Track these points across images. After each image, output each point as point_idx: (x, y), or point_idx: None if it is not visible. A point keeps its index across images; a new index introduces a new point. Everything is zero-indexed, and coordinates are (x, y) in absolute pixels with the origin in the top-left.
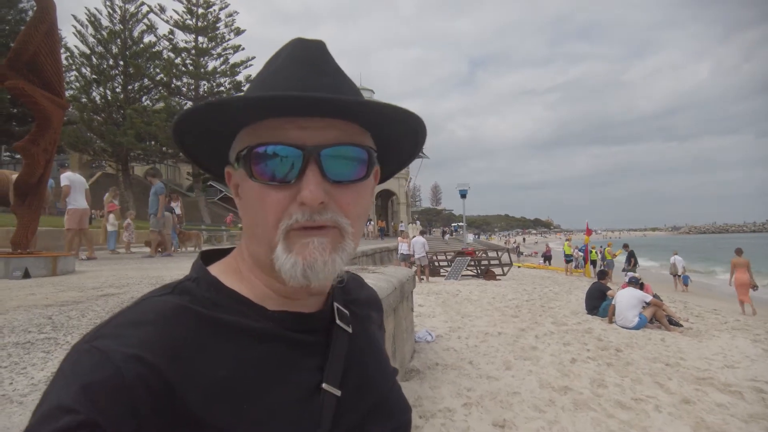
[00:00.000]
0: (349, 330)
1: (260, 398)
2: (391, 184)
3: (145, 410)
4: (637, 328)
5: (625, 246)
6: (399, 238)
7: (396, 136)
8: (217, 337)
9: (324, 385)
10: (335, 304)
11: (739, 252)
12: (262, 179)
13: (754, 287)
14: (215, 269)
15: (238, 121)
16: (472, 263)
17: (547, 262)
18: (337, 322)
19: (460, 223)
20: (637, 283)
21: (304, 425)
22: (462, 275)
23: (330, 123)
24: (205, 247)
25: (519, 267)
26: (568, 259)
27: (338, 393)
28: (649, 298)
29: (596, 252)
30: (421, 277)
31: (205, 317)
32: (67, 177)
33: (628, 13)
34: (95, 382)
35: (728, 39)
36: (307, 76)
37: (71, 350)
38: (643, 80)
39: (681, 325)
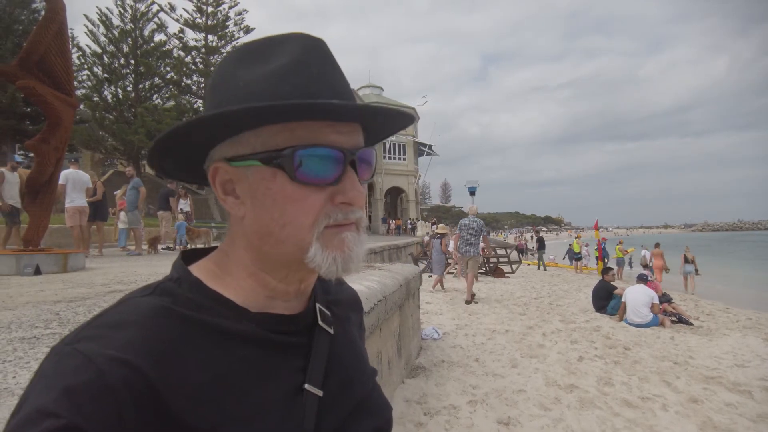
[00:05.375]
0: (331, 331)
1: (243, 400)
2: (400, 182)
3: (128, 414)
4: (650, 325)
5: (537, 231)
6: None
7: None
8: (199, 339)
9: (306, 386)
10: (317, 305)
11: (657, 245)
12: (307, 180)
13: (667, 270)
14: (197, 270)
15: (271, 121)
16: (481, 261)
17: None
18: (320, 323)
19: None
20: (645, 280)
21: (287, 426)
22: None
23: (355, 128)
24: (215, 244)
25: (528, 265)
26: (578, 256)
27: (320, 393)
28: (657, 298)
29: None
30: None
31: (187, 319)
32: (65, 175)
33: (645, 6)
34: (78, 385)
35: (746, 32)
36: (332, 75)
37: (51, 352)
38: (660, 75)
39: (691, 324)
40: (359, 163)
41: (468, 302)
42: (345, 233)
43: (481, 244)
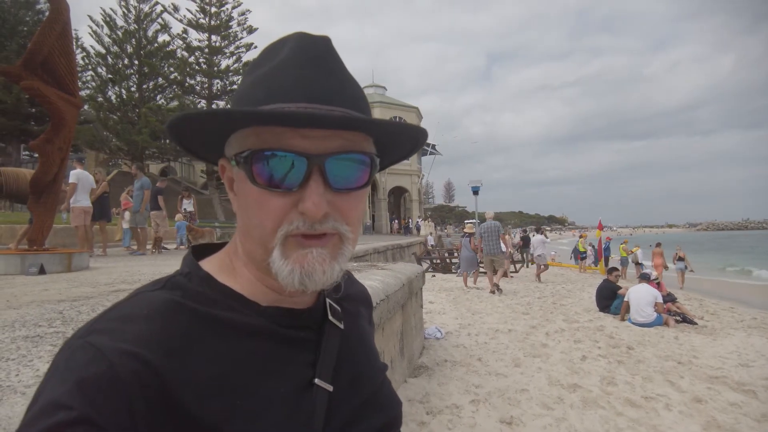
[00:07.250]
0: (341, 326)
1: (253, 394)
2: (403, 181)
3: (139, 406)
4: (653, 324)
5: (524, 230)
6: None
7: (397, 142)
8: (209, 333)
9: (316, 381)
10: (327, 300)
11: (658, 245)
12: (264, 184)
13: (666, 267)
14: (207, 264)
15: (240, 125)
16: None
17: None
18: (330, 318)
19: (473, 220)
20: (649, 280)
21: (296, 420)
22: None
23: (334, 133)
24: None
25: (532, 264)
26: (583, 256)
27: (330, 388)
28: (661, 298)
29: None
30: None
31: (197, 313)
32: (76, 175)
33: (651, 4)
34: (89, 378)
35: (753, 30)
36: (314, 78)
37: (64, 345)
38: (666, 74)
39: (695, 323)
40: (330, 170)
41: (493, 292)
42: (310, 249)
43: (506, 249)
